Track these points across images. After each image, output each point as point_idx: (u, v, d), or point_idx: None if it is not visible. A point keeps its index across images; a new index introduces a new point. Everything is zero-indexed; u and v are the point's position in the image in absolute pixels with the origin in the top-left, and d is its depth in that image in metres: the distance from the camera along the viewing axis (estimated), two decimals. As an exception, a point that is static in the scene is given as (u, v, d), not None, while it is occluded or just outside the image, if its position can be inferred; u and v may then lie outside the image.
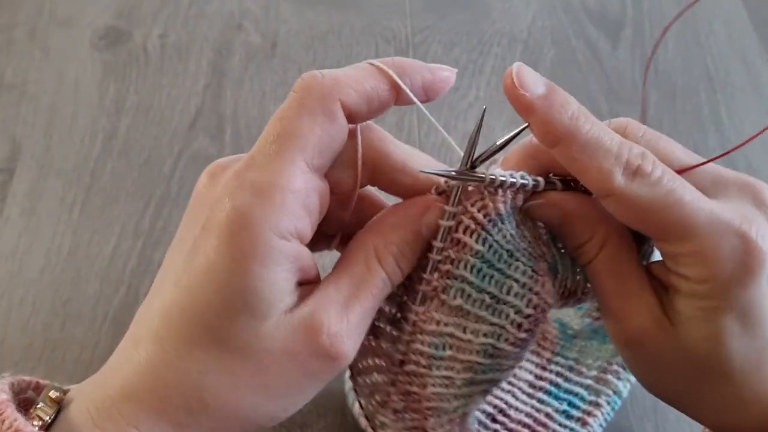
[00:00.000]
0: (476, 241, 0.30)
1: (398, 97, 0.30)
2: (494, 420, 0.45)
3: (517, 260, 0.31)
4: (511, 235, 0.31)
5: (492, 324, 0.31)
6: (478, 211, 0.30)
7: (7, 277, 0.54)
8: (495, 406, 0.46)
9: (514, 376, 0.47)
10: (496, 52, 0.70)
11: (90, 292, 0.54)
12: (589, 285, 0.34)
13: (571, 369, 0.47)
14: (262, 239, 0.26)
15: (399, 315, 0.33)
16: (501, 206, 0.30)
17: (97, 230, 0.57)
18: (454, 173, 0.30)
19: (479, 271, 0.31)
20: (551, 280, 0.33)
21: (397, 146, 0.31)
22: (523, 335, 0.31)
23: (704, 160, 0.31)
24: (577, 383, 0.46)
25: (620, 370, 0.46)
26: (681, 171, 0.30)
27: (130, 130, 0.63)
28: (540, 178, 0.31)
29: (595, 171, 0.28)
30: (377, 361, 0.34)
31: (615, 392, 0.45)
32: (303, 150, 0.27)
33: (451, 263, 0.31)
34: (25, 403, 0.29)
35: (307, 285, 0.29)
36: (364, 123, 0.31)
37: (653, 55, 0.67)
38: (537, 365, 0.47)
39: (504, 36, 0.71)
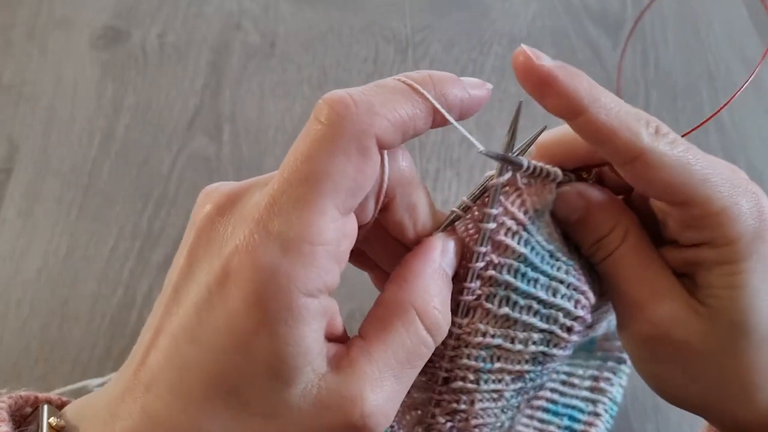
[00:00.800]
0: (518, 243, 0.29)
1: (434, 120, 0.27)
2: None
3: (558, 260, 0.30)
4: (549, 233, 0.30)
5: (541, 330, 0.30)
6: (519, 208, 0.29)
7: (5, 279, 0.54)
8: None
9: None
10: (496, 52, 0.69)
11: (88, 293, 0.54)
12: (596, 288, 0.33)
13: (564, 383, 0.46)
14: (288, 300, 0.23)
15: None
16: (537, 200, 0.29)
17: (94, 231, 0.57)
18: (502, 155, 0.29)
19: (524, 275, 0.29)
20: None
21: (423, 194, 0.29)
22: (574, 338, 0.30)
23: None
24: (573, 396, 0.45)
25: (611, 376, 0.45)
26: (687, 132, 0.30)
27: (128, 130, 0.63)
28: (569, 173, 0.31)
29: (624, 132, 0.27)
30: (413, 413, 0.32)
31: (611, 399, 0.45)
32: (335, 195, 0.24)
33: (494, 269, 0.29)
34: (23, 420, 0.28)
35: (335, 343, 0.26)
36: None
37: (630, 38, 0.66)
38: None
39: (504, 35, 0.71)
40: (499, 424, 0.32)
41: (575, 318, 0.30)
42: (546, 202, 0.30)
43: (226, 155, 0.61)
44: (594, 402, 0.45)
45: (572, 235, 0.32)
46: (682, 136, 0.30)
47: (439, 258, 0.28)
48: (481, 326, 0.29)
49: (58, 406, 0.29)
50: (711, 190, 0.28)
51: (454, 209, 0.30)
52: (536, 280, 0.29)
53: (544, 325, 0.30)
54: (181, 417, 0.24)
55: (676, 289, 0.30)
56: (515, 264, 0.29)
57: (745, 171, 0.32)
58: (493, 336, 0.29)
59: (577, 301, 0.30)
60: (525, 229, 0.29)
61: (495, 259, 0.29)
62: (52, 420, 0.27)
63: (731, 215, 0.28)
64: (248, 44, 0.69)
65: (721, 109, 0.32)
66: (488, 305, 0.29)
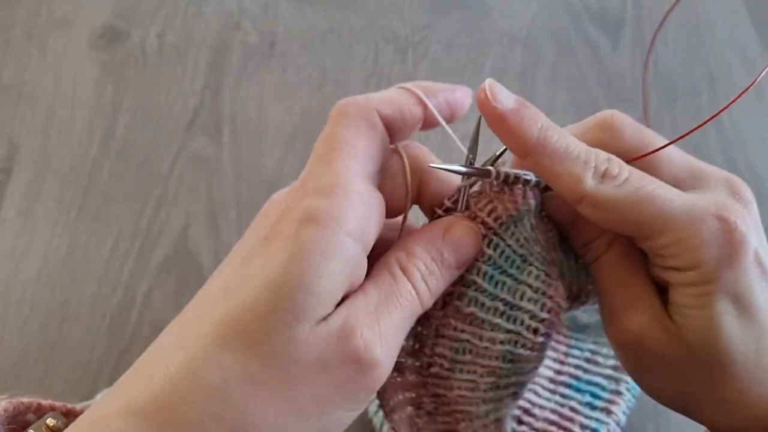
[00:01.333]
0: (487, 246, 0.30)
1: (425, 117, 0.31)
2: (520, 422, 0.45)
3: (531, 265, 0.30)
4: (525, 238, 0.30)
5: (508, 331, 0.30)
6: (488, 214, 0.30)
7: (5, 279, 0.54)
8: (520, 407, 0.45)
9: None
10: (496, 51, 0.69)
11: (87, 293, 0.54)
12: (591, 287, 0.34)
13: (588, 360, 0.47)
14: (328, 231, 0.25)
15: (418, 346, 0.32)
16: (511, 207, 0.30)
17: (94, 231, 0.57)
18: (461, 168, 0.30)
19: (491, 278, 0.30)
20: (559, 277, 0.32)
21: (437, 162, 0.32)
22: (540, 339, 0.31)
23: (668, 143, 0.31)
24: (596, 374, 0.46)
25: None
26: (646, 155, 0.31)
27: (128, 130, 0.63)
28: None
29: (565, 177, 0.29)
30: (407, 394, 0.33)
31: None
32: (355, 157, 0.27)
33: (465, 269, 0.30)
34: (23, 427, 0.28)
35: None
36: (405, 141, 0.32)
37: (651, 48, 0.66)
38: (555, 360, 0.47)
39: (504, 35, 0.71)
40: (483, 414, 0.32)
41: (541, 320, 0.31)
42: (526, 207, 0.31)
43: (226, 155, 0.61)
44: (617, 381, 0.45)
45: (568, 235, 0.33)
46: (676, 140, 0.31)
47: (435, 233, 0.29)
48: (452, 321, 0.31)
49: (63, 413, 0.29)
50: (665, 225, 0.28)
51: (437, 209, 0.31)
52: (503, 283, 0.30)
53: (510, 326, 0.30)
54: (183, 367, 0.24)
55: (652, 303, 0.31)
56: (483, 267, 0.30)
57: (743, 171, 0.32)
58: (462, 331, 0.30)
59: (543, 305, 0.30)
60: (495, 234, 0.30)
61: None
62: (50, 421, 0.28)
63: (688, 246, 0.28)
64: (248, 44, 0.69)
65: (711, 118, 0.32)
66: (457, 302, 0.30)
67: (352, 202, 0.26)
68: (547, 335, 0.31)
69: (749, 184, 0.31)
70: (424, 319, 0.31)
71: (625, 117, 0.32)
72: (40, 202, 0.58)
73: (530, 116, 0.29)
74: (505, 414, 0.34)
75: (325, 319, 0.25)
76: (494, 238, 0.30)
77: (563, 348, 0.47)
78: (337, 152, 0.27)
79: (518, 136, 0.29)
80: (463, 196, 0.30)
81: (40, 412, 0.29)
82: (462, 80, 0.67)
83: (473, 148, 0.31)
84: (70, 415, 0.29)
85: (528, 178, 0.30)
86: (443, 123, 0.31)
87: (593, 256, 0.32)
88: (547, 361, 0.47)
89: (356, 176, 0.27)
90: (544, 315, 0.31)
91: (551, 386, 0.46)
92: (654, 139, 0.32)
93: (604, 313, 0.33)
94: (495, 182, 0.30)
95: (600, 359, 0.46)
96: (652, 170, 0.30)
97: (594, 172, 0.29)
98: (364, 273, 0.27)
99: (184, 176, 0.60)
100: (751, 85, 0.31)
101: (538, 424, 0.45)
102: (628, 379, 0.45)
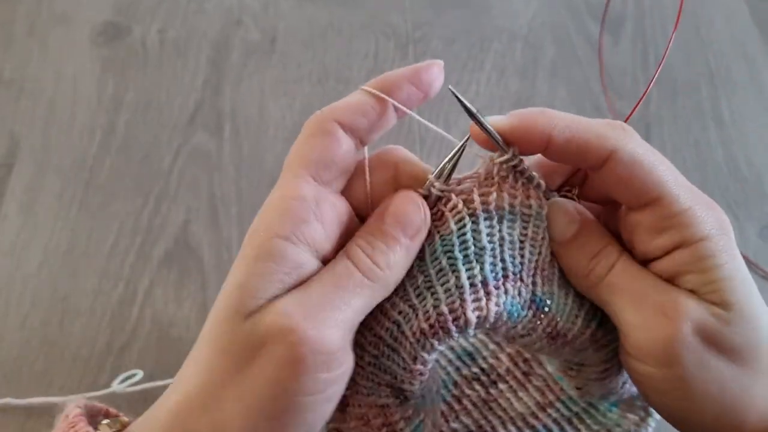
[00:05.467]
0: (455, 222, 0.30)
1: (395, 108, 0.32)
2: None
3: (479, 263, 0.30)
4: (501, 238, 0.30)
5: (411, 305, 0.30)
6: (481, 195, 0.30)
7: (6, 274, 0.54)
8: (479, 426, 0.44)
9: (510, 405, 0.45)
10: (497, 48, 0.70)
11: (88, 288, 0.54)
12: (580, 330, 0.32)
13: (569, 422, 0.44)
14: (261, 239, 0.28)
15: None
16: (507, 199, 0.30)
17: (95, 226, 0.57)
18: (477, 115, 0.30)
19: (434, 251, 0.30)
20: (533, 313, 0.31)
21: (417, 162, 0.33)
22: (425, 326, 0.29)
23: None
24: None
25: None
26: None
27: (129, 126, 0.63)
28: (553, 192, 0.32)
29: (593, 138, 0.30)
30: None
31: None
32: (306, 165, 0.30)
33: (427, 236, 0.31)
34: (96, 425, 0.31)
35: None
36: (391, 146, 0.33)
37: (666, 53, 0.66)
38: (537, 403, 0.45)
39: (504, 32, 0.71)
40: (365, 391, 0.32)
41: (439, 313, 0.30)
42: (526, 210, 0.31)
43: (227, 152, 0.61)
44: None
45: (564, 260, 0.32)
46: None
47: (377, 212, 0.31)
48: None
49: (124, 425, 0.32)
50: (678, 190, 0.30)
51: (430, 176, 0.31)
52: (438, 261, 0.30)
53: (414, 301, 0.30)
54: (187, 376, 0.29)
55: (691, 297, 0.30)
56: (436, 237, 0.30)
57: (744, 169, 0.32)
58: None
59: (452, 302, 0.30)
60: (472, 215, 0.30)
61: (431, 226, 0.31)
62: (124, 419, 0.32)
63: (698, 214, 0.29)
64: (248, 41, 0.69)
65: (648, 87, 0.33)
66: None
67: (290, 209, 0.29)
68: (434, 330, 0.30)
69: (749, 181, 0.32)
70: None
71: (638, 141, 0.32)
72: (41, 197, 0.58)
73: (526, 111, 0.30)
74: (388, 405, 0.32)
75: (260, 308, 0.28)
76: (467, 217, 0.30)
77: (552, 396, 0.45)
78: (290, 163, 0.30)
79: (530, 129, 0.30)
80: (446, 170, 0.31)
81: (109, 417, 0.32)
82: (462, 77, 0.67)
83: (451, 164, 0.31)
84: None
85: (539, 181, 0.31)
86: (409, 112, 0.32)
87: (606, 267, 0.31)
88: (528, 399, 0.45)
89: (302, 182, 0.30)
90: (444, 310, 0.29)
91: (520, 424, 0.44)
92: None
93: (631, 327, 0.30)
94: (505, 165, 0.31)
95: (582, 428, 0.44)
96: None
97: (615, 128, 0.30)
98: (312, 267, 0.29)
99: (185, 172, 0.60)
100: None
101: None
102: None
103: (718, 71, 0.69)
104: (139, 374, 0.48)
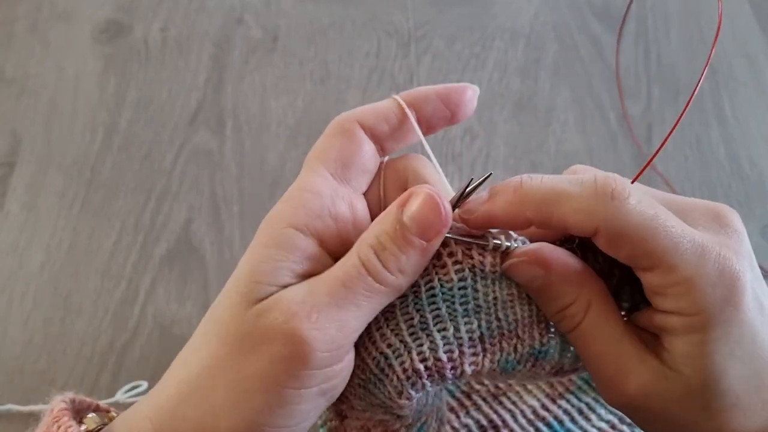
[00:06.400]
0: (455, 272, 0.29)
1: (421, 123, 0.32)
2: None
3: (477, 318, 0.29)
4: (495, 299, 0.30)
5: (402, 341, 0.29)
6: (481, 256, 0.30)
7: (8, 272, 0.54)
8: (490, 421, 0.44)
9: (521, 398, 0.45)
10: (499, 47, 0.69)
11: (90, 287, 0.54)
12: (576, 361, 0.32)
13: (580, 412, 0.45)
14: (274, 228, 0.29)
15: None
16: (498, 261, 0.30)
17: (97, 225, 0.57)
18: (453, 236, 0.30)
19: (433, 295, 0.29)
20: (531, 363, 0.31)
21: (432, 173, 0.32)
22: (419, 367, 0.29)
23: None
24: (581, 427, 0.44)
25: (626, 431, 0.44)
26: (638, 175, 0.30)
27: (131, 124, 0.63)
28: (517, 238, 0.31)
29: (571, 215, 0.28)
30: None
31: None
32: (324, 161, 0.30)
33: (423, 271, 0.30)
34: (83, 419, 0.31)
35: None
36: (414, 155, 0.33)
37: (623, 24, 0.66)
38: (547, 395, 0.45)
39: (506, 31, 0.71)
40: (360, 408, 0.32)
41: (436, 359, 0.29)
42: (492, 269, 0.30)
43: (229, 150, 0.61)
44: None
45: (539, 302, 0.31)
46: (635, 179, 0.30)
47: (393, 208, 0.29)
48: None
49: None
50: (678, 259, 0.27)
51: None
52: (437, 308, 0.29)
53: (407, 339, 0.29)
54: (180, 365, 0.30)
55: (648, 362, 0.29)
56: (435, 282, 0.29)
57: (746, 167, 0.31)
58: (376, 317, 0.30)
59: (450, 351, 0.29)
60: (472, 270, 0.29)
61: (428, 264, 0.30)
62: (112, 414, 0.32)
63: (697, 285, 0.27)
64: (250, 38, 0.69)
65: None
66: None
67: (303, 202, 0.29)
68: (429, 373, 0.29)
69: (751, 179, 0.31)
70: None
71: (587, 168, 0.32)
72: (43, 195, 0.58)
73: (501, 190, 0.29)
74: (386, 420, 0.32)
75: (267, 297, 0.28)
76: (467, 271, 0.29)
77: (561, 388, 0.46)
78: (310, 159, 0.31)
79: (507, 211, 0.29)
80: (459, 197, 0.30)
81: (98, 412, 0.32)
82: (464, 75, 0.67)
83: (460, 197, 0.31)
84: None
85: (487, 239, 0.30)
86: (420, 135, 0.32)
87: (571, 324, 0.30)
88: (538, 392, 0.45)
89: (319, 178, 0.30)
90: (443, 357, 0.29)
91: (531, 416, 0.45)
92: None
93: (597, 381, 0.31)
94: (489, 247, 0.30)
95: (593, 417, 0.44)
96: None
97: (599, 197, 0.28)
98: (328, 264, 0.29)
99: (187, 170, 0.60)
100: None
101: None
102: None
103: (721, 69, 0.69)
104: (144, 385, 0.48)
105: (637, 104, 0.65)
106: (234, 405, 0.27)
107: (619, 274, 0.31)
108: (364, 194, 0.32)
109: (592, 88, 0.67)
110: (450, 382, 0.30)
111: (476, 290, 0.30)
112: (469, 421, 0.45)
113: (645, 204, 0.28)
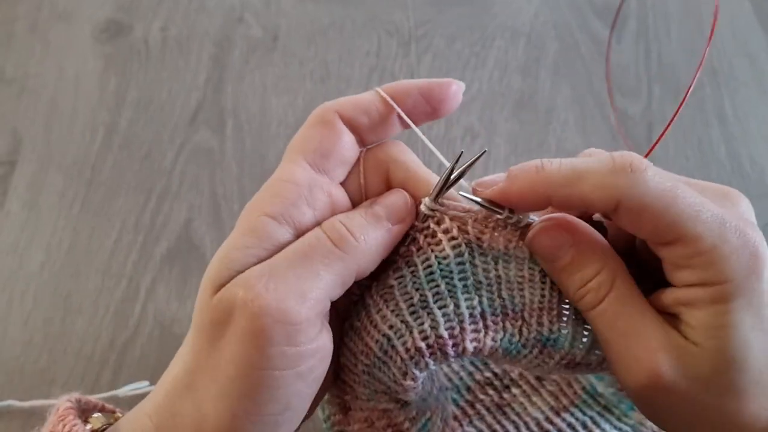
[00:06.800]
0: (451, 247, 0.29)
1: (389, 114, 0.32)
2: None
3: (478, 295, 0.29)
4: (497, 276, 0.29)
5: (403, 321, 0.29)
6: (479, 231, 0.30)
7: (9, 271, 0.54)
8: (494, 430, 0.44)
9: (525, 410, 0.45)
10: (499, 46, 0.69)
11: (91, 286, 0.54)
12: (603, 356, 0.32)
13: (584, 426, 0.44)
14: (250, 217, 0.29)
15: None
16: (502, 242, 0.30)
17: (97, 224, 0.57)
18: (477, 199, 0.30)
19: (431, 272, 0.29)
20: (538, 350, 0.31)
21: (413, 160, 0.33)
22: (421, 345, 0.29)
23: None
24: None
25: None
26: (649, 151, 0.30)
27: (131, 123, 0.63)
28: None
29: (592, 192, 0.28)
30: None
31: None
32: (304, 152, 0.31)
33: (417, 248, 0.30)
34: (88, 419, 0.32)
35: None
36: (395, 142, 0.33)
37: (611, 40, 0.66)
38: (552, 408, 0.45)
39: (506, 30, 0.71)
40: (363, 396, 0.32)
41: (437, 336, 0.29)
42: (516, 248, 0.30)
43: (229, 149, 0.61)
44: None
45: (560, 279, 0.31)
46: (646, 155, 0.29)
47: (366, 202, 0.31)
48: (373, 285, 0.31)
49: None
50: (701, 228, 0.27)
51: (421, 200, 0.31)
52: (436, 284, 0.29)
53: (408, 318, 0.29)
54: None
55: (672, 339, 0.29)
56: (432, 258, 0.30)
57: (747, 166, 0.31)
58: (371, 297, 0.31)
59: (452, 327, 0.29)
60: (469, 245, 0.29)
61: (422, 241, 0.30)
62: (118, 414, 0.33)
63: (722, 253, 0.27)
64: (250, 38, 0.69)
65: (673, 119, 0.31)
66: (389, 271, 0.31)
67: (280, 191, 0.29)
68: (431, 351, 0.29)
69: (752, 178, 0.31)
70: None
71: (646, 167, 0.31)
72: (43, 194, 0.58)
73: (521, 172, 0.29)
74: (390, 409, 0.32)
75: (228, 281, 0.28)
76: (464, 246, 0.29)
77: (566, 401, 0.45)
78: (289, 150, 0.31)
79: (526, 192, 0.29)
80: (439, 184, 0.30)
81: (104, 412, 0.33)
82: (465, 74, 0.67)
83: (446, 182, 0.31)
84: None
85: (499, 211, 0.30)
86: (408, 121, 0.32)
87: (596, 299, 0.30)
88: (542, 404, 0.45)
89: (297, 168, 0.30)
90: (444, 333, 0.29)
91: (535, 429, 0.44)
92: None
93: (618, 362, 0.30)
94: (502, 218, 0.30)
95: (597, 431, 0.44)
96: None
97: (618, 171, 0.27)
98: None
99: (187, 169, 0.60)
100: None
101: None
102: None
103: (721, 69, 0.69)
104: (146, 385, 0.48)
105: (637, 103, 0.65)
106: (217, 396, 0.27)
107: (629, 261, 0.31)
108: (344, 184, 0.32)
109: (593, 87, 0.67)
110: (453, 360, 0.29)
111: (475, 266, 0.29)
112: (472, 430, 0.44)
113: (663, 176, 0.28)
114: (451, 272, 0.29)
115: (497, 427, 0.45)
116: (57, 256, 0.55)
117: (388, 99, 0.31)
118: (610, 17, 0.72)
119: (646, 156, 0.29)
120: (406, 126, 0.32)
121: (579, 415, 0.45)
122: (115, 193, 0.59)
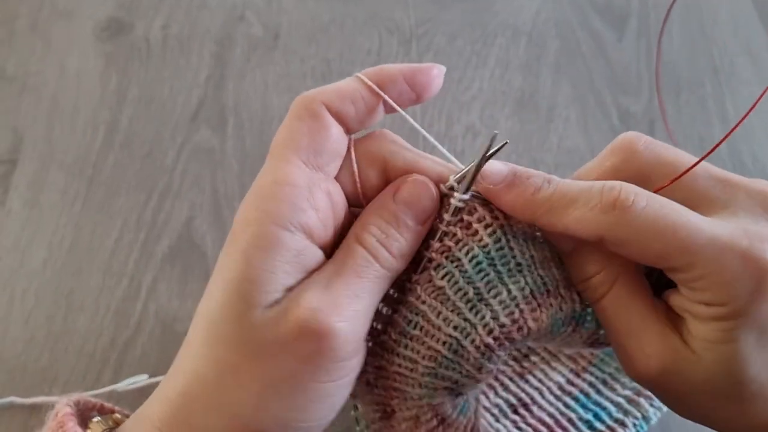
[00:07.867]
0: (488, 234, 0.30)
1: (386, 102, 0.31)
2: (515, 411, 0.45)
3: (522, 275, 0.30)
4: (532, 256, 0.30)
5: (465, 319, 0.30)
6: (506, 217, 0.30)
7: (10, 270, 0.54)
8: (519, 399, 0.45)
9: (546, 375, 0.46)
10: (500, 44, 0.69)
11: (92, 284, 0.54)
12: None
13: (605, 383, 0.46)
14: (263, 230, 0.28)
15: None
16: (526, 222, 0.31)
17: (99, 222, 0.57)
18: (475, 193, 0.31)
19: (478, 263, 0.30)
20: (572, 328, 0.31)
21: (408, 148, 0.32)
22: (489, 341, 0.30)
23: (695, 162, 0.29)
24: (607, 398, 0.45)
25: (653, 397, 0.44)
26: (678, 177, 0.29)
27: (132, 121, 0.63)
28: None
29: (576, 225, 0.28)
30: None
31: (644, 417, 0.44)
32: (297, 150, 0.29)
33: (456, 242, 0.30)
34: (87, 422, 0.31)
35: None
36: (380, 130, 0.33)
37: (660, 43, 0.66)
38: (571, 370, 0.46)
39: (508, 28, 0.71)
40: (415, 396, 0.32)
41: (500, 325, 0.30)
42: (535, 229, 0.31)
43: (230, 147, 0.61)
44: (626, 412, 0.44)
45: (568, 268, 0.32)
46: (702, 158, 0.29)
47: (386, 196, 0.30)
48: (419, 288, 0.31)
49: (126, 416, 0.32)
50: (692, 257, 0.27)
51: (441, 186, 0.31)
52: (486, 274, 0.30)
53: (470, 315, 0.30)
54: (189, 365, 0.29)
55: (668, 343, 0.29)
56: (475, 249, 0.30)
57: (749, 164, 0.31)
58: (423, 302, 0.30)
59: (511, 313, 0.30)
60: (502, 228, 0.30)
61: (459, 234, 0.30)
62: (117, 416, 0.32)
63: (722, 280, 0.27)
64: (252, 36, 0.69)
65: (735, 127, 0.31)
66: (432, 272, 0.30)
67: (286, 197, 0.28)
68: (499, 342, 0.30)
69: (753, 176, 0.31)
70: (398, 283, 0.31)
71: (639, 136, 0.31)
72: (44, 193, 0.58)
73: (520, 186, 0.30)
74: (441, 402, 0.33)
75: (277, 302, 0.27)
76: (499, 231, 0.30)
77: (584, 362, 0.46)
78: (280, 148, 0.29)
79: (514, 208, 0.30)
80: (471, 176, 0.30)
81: (103, 412, 0.32)
82: (466, 73, 0.67)
83: (474, 177, 0.31)
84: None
85: None
86: (400, 110, 0.31)
87: (593, 296, 0.31)
88: (562, 368, 0.46)
89: (295, 168, 0.29)
90: (506, 321, 0.29)
91: (558, 392, 0.45)
92: (670, 152, 0.31)
93: (619, 357, 0.31)
94: None
95: (617, 386, 0.45)
96: (672, 192, 0.29)
97: (602, 207, 0.28)
98: (317, 255, 0.29)
99: (189, 168, 0.60)
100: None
101: (531, 421, 0.44)
102: (638, 415, 0.44)
103: (723, 67, 0.69)
104: (144, 378, 0.48)
105: (639, 101, 0.65)
106: (258, 408, 0.27)
107: None
108: (336, 177, 0.31)
109: (594, 85, 0.67)
110: (520, 343, 0.30)
111: (512, 248, 0.30)
112: (499, 401, 0.45)
113: (654, 206, 0.27)
114: (493, 259, 0.30)
115: (522, 395, 0.46)
116: (58, 254, 0.55)
117: (375, 88, 0.31)
118: (611, 15, 0.72)
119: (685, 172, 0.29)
120: (390, 111, 0.32)
121: (598, 373, 0.46)
122: (116, 192, 0.59)
